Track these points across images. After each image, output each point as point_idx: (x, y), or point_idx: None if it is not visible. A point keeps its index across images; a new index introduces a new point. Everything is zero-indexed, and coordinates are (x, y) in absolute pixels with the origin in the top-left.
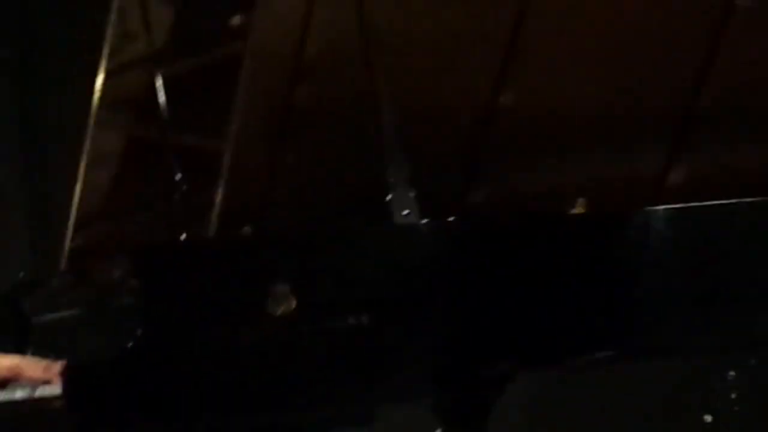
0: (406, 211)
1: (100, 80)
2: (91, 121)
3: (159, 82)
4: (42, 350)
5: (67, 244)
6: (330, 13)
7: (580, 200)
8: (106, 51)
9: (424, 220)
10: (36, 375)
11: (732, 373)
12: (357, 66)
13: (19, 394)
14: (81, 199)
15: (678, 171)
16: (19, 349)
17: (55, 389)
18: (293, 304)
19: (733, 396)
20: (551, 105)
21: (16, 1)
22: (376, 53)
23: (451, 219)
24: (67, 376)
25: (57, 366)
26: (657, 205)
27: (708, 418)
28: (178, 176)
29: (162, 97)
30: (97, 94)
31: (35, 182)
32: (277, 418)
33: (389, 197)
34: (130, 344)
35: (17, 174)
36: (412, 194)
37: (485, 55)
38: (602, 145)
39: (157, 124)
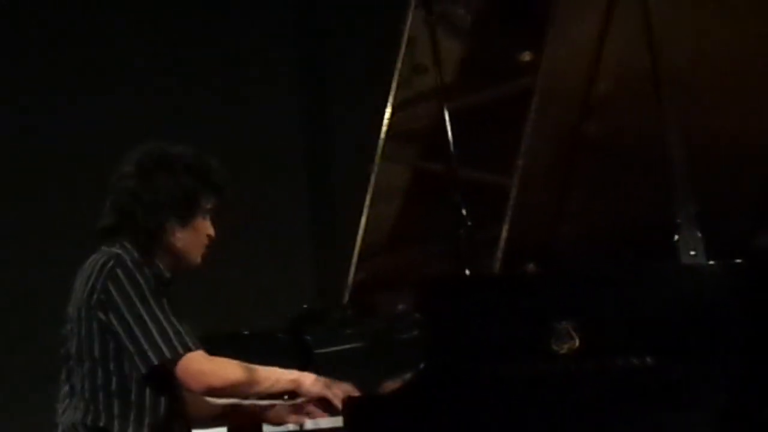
0: (692, 252)
1: (388, 113)
2: (378, 153)
3: (446, 116)
4: None
5: (351, 276)
6: (620, 50)
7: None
8: (395, 84)
9: (711, 262)
10: (317, 390)
11: None
12: (646, 103)
13: (291, 427)
14: (365, 231)
15: None
16: None
17: (333, 421)
18: (576, 342)
19: None
20: None
21: (308, 34)
22: (666, 91)
23: (737, 261)
24: (350, 407)
25: (338, 385)
26: None
27: None
28: (464, 211)
29: (449, 131)
30: (384, 127)
31: (321, 215)
32: None
33: (676, 237)
34: (413, 377)
35: (304, 206)
36: (698, 234)
37: None
38: None
39: (443, 158)
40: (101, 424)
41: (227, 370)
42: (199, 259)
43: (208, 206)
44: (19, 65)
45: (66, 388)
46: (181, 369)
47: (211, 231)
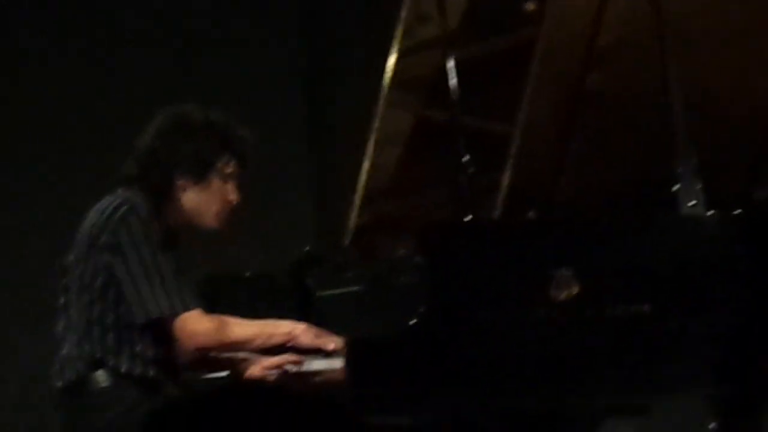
0: (692, 202)
1: (392, 61)
2: (382, 100)
3: (450, 65)
4: (324, 323)
5: (353, 220)
6: (624, 2)
7: None
8: (399, 32)
9: (710, 212)
10: (308, 341)
11: None
12: (649, 56)
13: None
14: (368, 177)
15: None
16: (301, 320)
17: (327, 363)
18: (575, 289)
19: None
20: None
21: None
22: (669, 44)
23: (736, 212)
24: (351, 349)
25: (328, 336)
26: None
27: None
28: (466, 158)
29: (453, 80)
30: (388, 75)
31: (323, 159)
32: (554, 403)
33: (676, 187)
34: (412, 321)
35: (306, 150)
36: (698, 185)
37: None
38: None
39: (446, 106)
40: (97, 356)
41: (220, 330)
42: (215, 222)
43: (228, 170)
44: None
45: (63, 319)
46: (177, 327)
47: (233, 196)
